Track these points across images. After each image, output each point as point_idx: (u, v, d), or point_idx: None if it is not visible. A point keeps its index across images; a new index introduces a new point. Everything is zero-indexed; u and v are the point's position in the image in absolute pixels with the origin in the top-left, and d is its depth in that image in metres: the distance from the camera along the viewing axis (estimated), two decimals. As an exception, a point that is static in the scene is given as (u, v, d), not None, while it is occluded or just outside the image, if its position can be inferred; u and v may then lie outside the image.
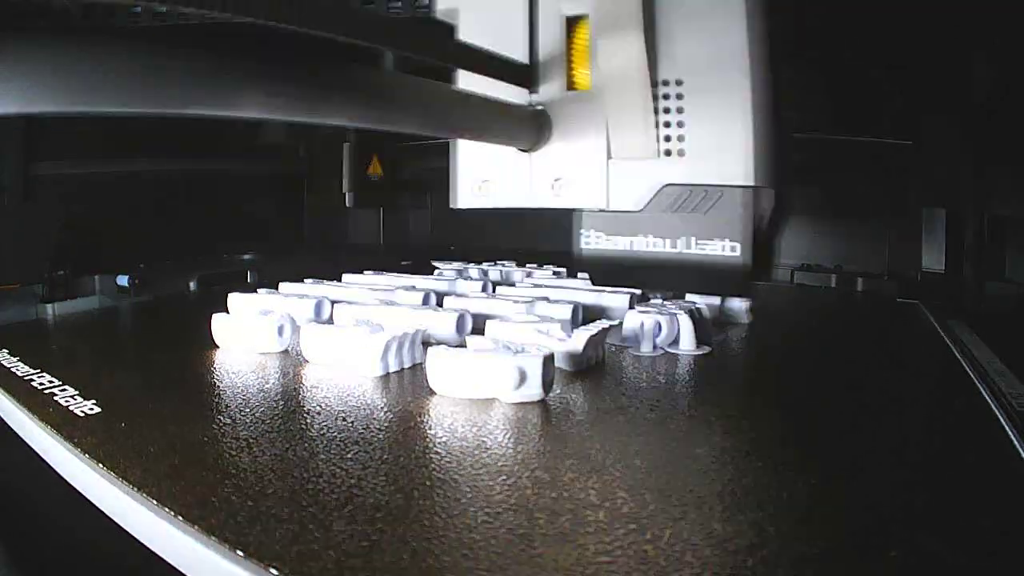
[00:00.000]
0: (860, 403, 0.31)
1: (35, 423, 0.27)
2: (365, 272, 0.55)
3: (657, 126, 0.32)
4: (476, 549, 0.18)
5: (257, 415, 0.27)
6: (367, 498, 0.20)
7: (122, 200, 0.69)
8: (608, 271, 0.34)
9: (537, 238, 0.43)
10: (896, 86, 0.71)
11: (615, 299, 0.43)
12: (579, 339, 0.32)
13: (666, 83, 0.32)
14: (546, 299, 0.41)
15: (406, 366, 0.33)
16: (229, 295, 0.42)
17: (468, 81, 0.32)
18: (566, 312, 0.38)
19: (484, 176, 0.36)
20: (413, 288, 0.44)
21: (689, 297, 0.43)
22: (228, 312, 0.39)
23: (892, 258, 0.73)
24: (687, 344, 0.36)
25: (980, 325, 0.48)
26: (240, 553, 0.18)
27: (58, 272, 0.54)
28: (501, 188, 0.36)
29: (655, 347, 0.36)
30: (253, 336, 0.35)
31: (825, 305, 0.63)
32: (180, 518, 0.20)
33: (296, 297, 0.41)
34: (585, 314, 0.40)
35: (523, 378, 0.27)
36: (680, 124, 0.32)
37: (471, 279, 0.50)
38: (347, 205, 0.90)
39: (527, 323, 0.33)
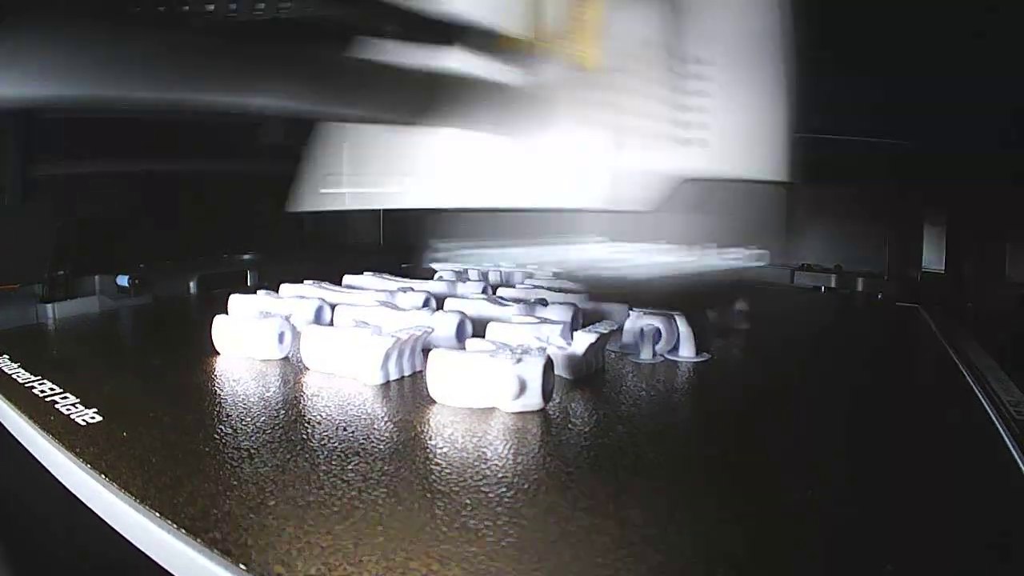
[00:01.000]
0: (857, 414, 0.31)
1: (37, 432, 0.27)
2: (364, 273, 0.55)
3: (678, 112, 0.25)
4: (476, 563, 0.18)
5: (258, 424, 0.27)
6: (368, 511, 0.21)
7: (122, 200, 0.69)
8: (613, 290, 0.27)
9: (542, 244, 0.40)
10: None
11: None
12: (579, 345, 0.32)
13: (689, 61, 0.25)
14: (545, 302, 0.41)
15: (406, 374, 0.33)
16: (229, 298, 0.42)
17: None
18: (565, 317, 0.37)
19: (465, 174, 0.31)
20: (411, 290, 0.45)
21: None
22: (228, 314, 0.39)
23: (892, 258, 0.73)
24: (687, 351, 0.36)
25: (980, 328, 0.48)
26: (243, 567, 0.18)
27: (58, 272, 0.53)
28: (485, 185, 0.30)
29: (655, 354, 0.36)
30: (253, 343, 0.35)
31: (824, 310, 0.63)
32: (182, 531, 0.20)
33: (296, 299, 0.41)
34: (585, 317, 0.40)
35: (523, 388, 0.27)
36: (703, 109, 0.25)
37: (470, 281, 0.50)
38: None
39: (527, 325, 0.33)
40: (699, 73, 0.25)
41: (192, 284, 0.62)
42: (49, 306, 0.50)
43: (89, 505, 0.24)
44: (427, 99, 0.23)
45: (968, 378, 0.36)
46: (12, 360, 0.36)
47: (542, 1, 0.27)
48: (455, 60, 0.25)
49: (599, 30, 0.26)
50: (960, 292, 0.64)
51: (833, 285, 0.70)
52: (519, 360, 0.27)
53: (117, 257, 0.61)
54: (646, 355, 0.36)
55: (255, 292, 0.42)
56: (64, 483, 0.25)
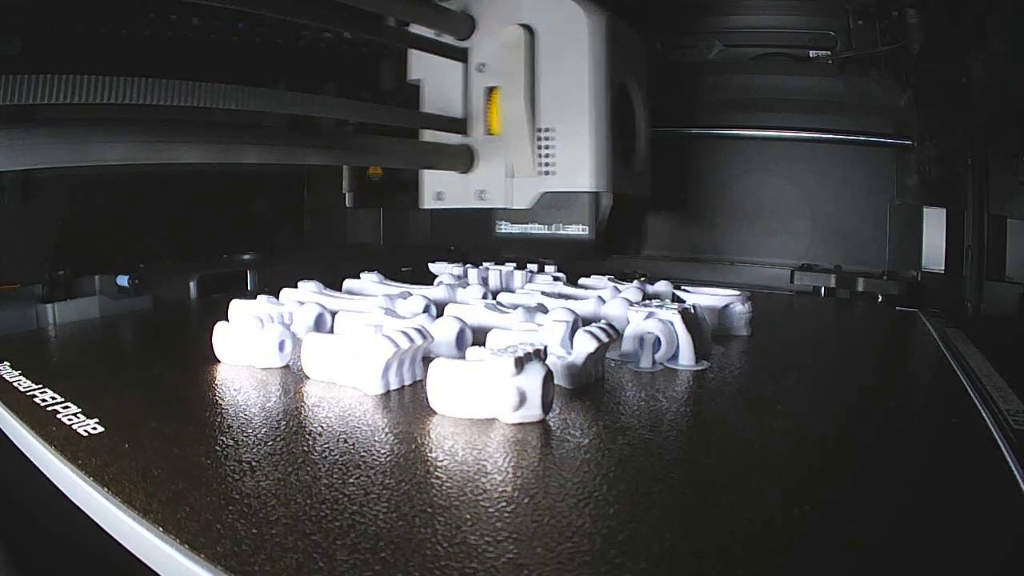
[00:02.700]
0: (853, 426, 0.31)
1: (39, 443, 0.27)
2: (364, 275, 0.55)
3: (538, 155, 0.54)
4: (477, 582, 0.18)
5: (259, 436, 0.27)
6: (369, 526, 0.21)
7: (122, 200, 0.69)
8: (514, 246, 0.57)
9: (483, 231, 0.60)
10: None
11: (614, 307, 0.43)
12: (579, 355, 0.32)
13: (543, 129, 0.54)
14: (545, 309, 0.41)
15: (407, 383, 0.33)
16: (230, 303, 0.42)
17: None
18: (565, 326, 0.38)
19: (438, 189, 0.60)
20: (409, 295, 0.45)
21: (685, 298, 0.45)
22: (228, 321, 0.39)
23: (892, 258, 0.73)
24: (686, 359, 0.36)
25: (980, 333, 0.49)
26: (245, 585, 0.18)
27: (58, 272, 0.53)
28: (450, 196, 0.59)
29: (654, 362, 0.36)
30: (254, 351, 0.35)
31: (824, 316, 0.63)
32: (186, 546, 0.20)
33: (297, 304, 0.41)
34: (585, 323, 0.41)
35: (523, 400, 0.27)
36: (551, 154, 0.54)
37: (470, 286, 0.50)
38: (347, 205, 0.90)
39: (527, 332, 0.34)
40: (549, 132, 0.55)
41: (192, 284, 0.62)
42: (49, 306, 0.50)
43: (92, 517, 0.24)
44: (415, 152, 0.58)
45: (967, 385, 0.36)
46: (13, 368, 0.36)
47: (469, 98, 0.58)
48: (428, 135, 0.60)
49: (498, 112, 0.56)
50: (960, 292, 0.64)
51: (833, 285, 0.70)
52: (519, 371, 0.27)
53: (117, 257, 0.61)
54: (646, 363, 0.36)
55: (255, 297, 0.42)
56: (67, 494, 0.25)
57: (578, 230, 0.53)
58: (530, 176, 0.54)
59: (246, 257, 0.75)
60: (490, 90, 0.56)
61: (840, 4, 0.71)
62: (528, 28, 0.53)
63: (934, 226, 0.69)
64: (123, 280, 0.57)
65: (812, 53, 0.75)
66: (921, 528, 0.22)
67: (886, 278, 0.69)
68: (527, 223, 0.55)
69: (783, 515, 0.22)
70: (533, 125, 0.54)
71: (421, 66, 0.60)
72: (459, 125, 0.57)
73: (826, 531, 0.21)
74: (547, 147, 0.54)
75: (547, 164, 0.54)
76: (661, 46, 0.80)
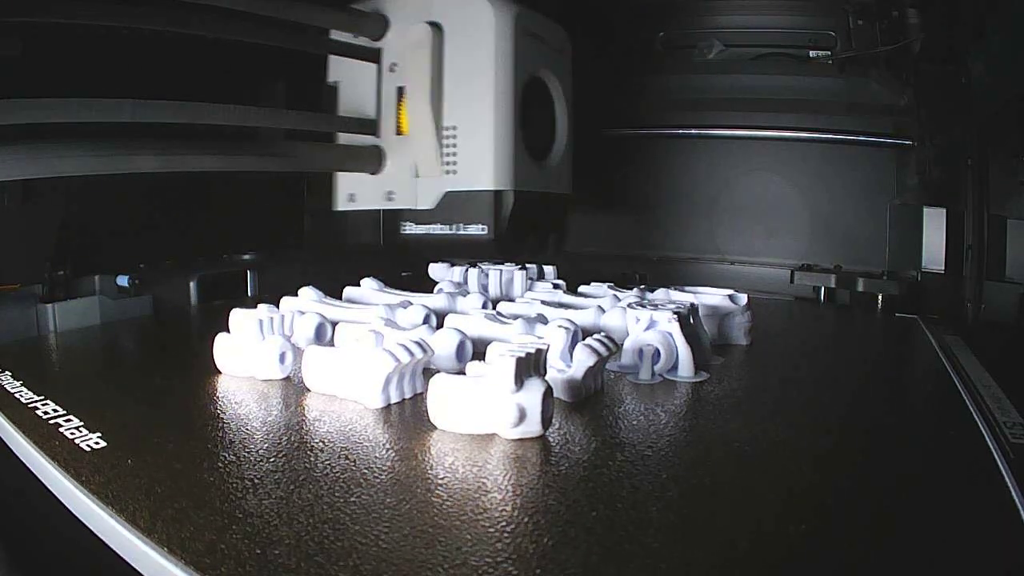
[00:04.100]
0: (850, 443, 0.31)
1: (43, 458, 0.28)
2: (364, 281, 0.55)
3: (443, 154, 0.54)
4: (478, 608, 0.18)
5: (261, 452, 0.28)
6: (371, 547, 0.21)
7: (122, 200, 0.69)
8: (420, 247, 0.57)
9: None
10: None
11: (613, 317, 0.43)
12: (578, 370, 0.32)
13: (447, 128, 0.54)
14: (544, 319, 0.41)
15: (407, 396, 0.33)
16: (230, 313, 0.42)
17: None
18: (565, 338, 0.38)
19: (351, 190, 0.60)
20: (409, 304, 0.45)
21: (680, 297, 0.47)
22: (229, 331, 0.39)
23: (892, 258, 0.73)
24: (686, 371, 0.36)
25: (980, 339, 0.49)
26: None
27: (58, 272, 0.54)
28: (361, 197, 0.59)
29: (654, 374, 0.36)
30: (255, 363, 0.36)
31: (823, 325, 0.63)
32: (191, 568, 0.20)
33: (297, 314, 0.41)
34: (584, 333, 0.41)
35: (523, 416, 0.27)
36: (454, 153, 0.53)
37: (470, 293, 0.50)
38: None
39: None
40: (452, 131, 0.54)
41: (192, 284, 0.62)
42: (49, 306, 0.50)
43: (97, 533, 0.24)
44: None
45: (966, 397, 0.36)
46: (15, 378, 0.37)
47: (381, 99, 0.58)
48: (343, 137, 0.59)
49: (407, 113, 0.56)
50: (960, 292, 0.65)
51: (833, 285, 0.70)
52: (519, 388, 0.27)
53: (117, 257, 0.61)
54: (645, 375, 0.36)
55: (255, 305, 0.43)
56: (71, 509, 0.25)
57: (478, 229, 0.54)
58: (435, 176, 0.54)
59: (246, 257, 0.75)
60: (401, 90, 0.56)
61: (840, 4, 0.71)
62: (436, 25, 0.53)
63: (934, 226, 0.69)
64: (123, 280, 0.57)
65: (812, 53, 0.75)
66: (915, 550, 0.22)
67: (886, 278, 0.69)
68: (431, 223, 0.56)
69: (778, 535, 0.22)
70: (438, 124, 0.53)
71: (338, 68, 0.60)
72: (368, 126, 0.57)
73: (822, 554, 0.21)
74: (451, 146, 0.54)
75: (450, 163, 0.54)
76: (661, 46, 0.80)
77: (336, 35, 0.59)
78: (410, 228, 0.57)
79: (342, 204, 0.61)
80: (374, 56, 0.57)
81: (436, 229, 0.55)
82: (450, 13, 0.54)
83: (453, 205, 0.55)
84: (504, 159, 0.53)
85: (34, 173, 0.40)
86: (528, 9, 0.55)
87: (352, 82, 0.59)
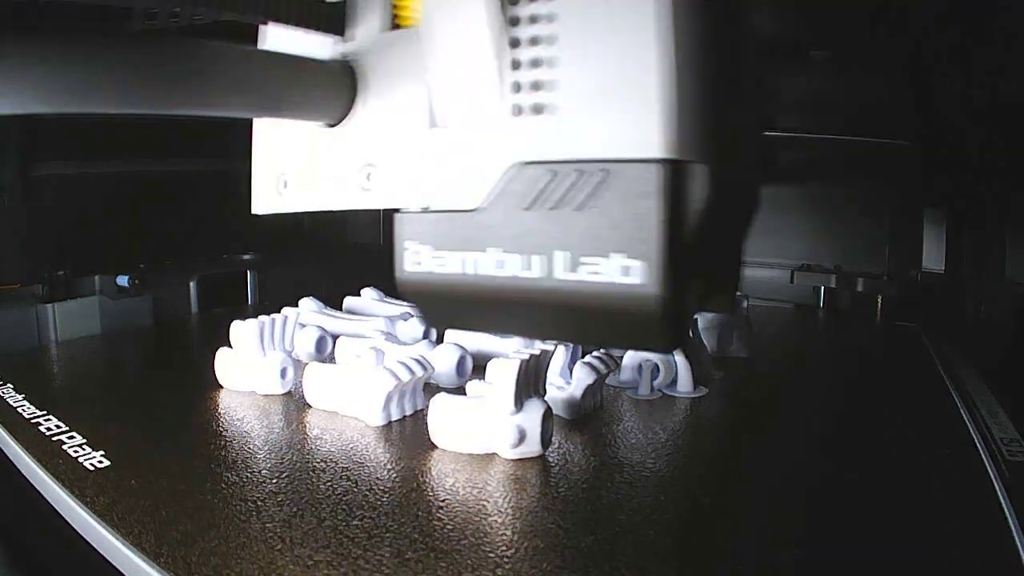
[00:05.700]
0: (846, 460, 0.31)
1: (47, 476, 0.28)
2: (364, 291, 0.55)
3: (512, 75, 0.17)
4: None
5: (264, 473, 0.28)
6: (373, 572, 0.21)
7: (122, 200, 0.69)
8: (444, 308, 0.20)
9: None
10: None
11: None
12: (578, 388, 0.32)
13: (525, 17, 0.17)
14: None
15: (407, 413, 0.33)
16: (231, 325, 0.42)
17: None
18: (563, 355, 0.38)
19: (284, 171, 0.24)
20: (410, 316, 0.45)
21: None
22: (230, 345, 0.39)
23: (892, 258, 0.73)
24: (684, 386, 0.37)
25: (978, 347, 0.49)
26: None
27: (58, 272, 0.54)
28: (302, 184, 0.24)
29: (653, 389, 0.36)
30: (256, 379, 0.36)
31: (823, 335, 0.63)
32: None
33: (298, 327, 0.41)
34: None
35: (522, 437, 0.28)
36: (548, 63, 0.17)
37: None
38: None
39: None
40: (541, 23, 0.17)
41: (192, 284, 0.62)
42: (49, 306, 0.50)
43: (100, 551, 0.24)
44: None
45: (964, 413, 0.36)
46: (17, 391, 0.37)
47: None
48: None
49: None
50: (960, 293, 0.65)
51: (833, 285, 0.70)
52: (519, 409, 0.28)
53: (117, 257, 0.61)
54: (644, 391, 0.36)
55: (256, 315, 0.43)
56: (76, 528, 0.26)
57: (618, 272, 0.19)
58: (485, 124, 0.18)
59: (246, 257, 0.75)
60: None
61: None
62: None
63: (934, 226, 0.69)
64: (123, 280, 0.57)
65: (812, 53, 0.75)
66: (911, 571, 0.22)
67: (886, 278, 0.69)
68: (478, 248, 0.16)
69: (773, 557, 0.22)
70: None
71: None
72: (329, 15, 0.22)
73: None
74: (537, 57, 0.17)
75: (533, 90, 0.17)
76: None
77: None
78: (423, 259, 0.20)
79: (264, 203, 0.27)
80: None
81: (481, 267, 0.18)
82: None
83: (541, 200, 0.17)
84: (691, 93, 0.16)
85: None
86: None
87: None
